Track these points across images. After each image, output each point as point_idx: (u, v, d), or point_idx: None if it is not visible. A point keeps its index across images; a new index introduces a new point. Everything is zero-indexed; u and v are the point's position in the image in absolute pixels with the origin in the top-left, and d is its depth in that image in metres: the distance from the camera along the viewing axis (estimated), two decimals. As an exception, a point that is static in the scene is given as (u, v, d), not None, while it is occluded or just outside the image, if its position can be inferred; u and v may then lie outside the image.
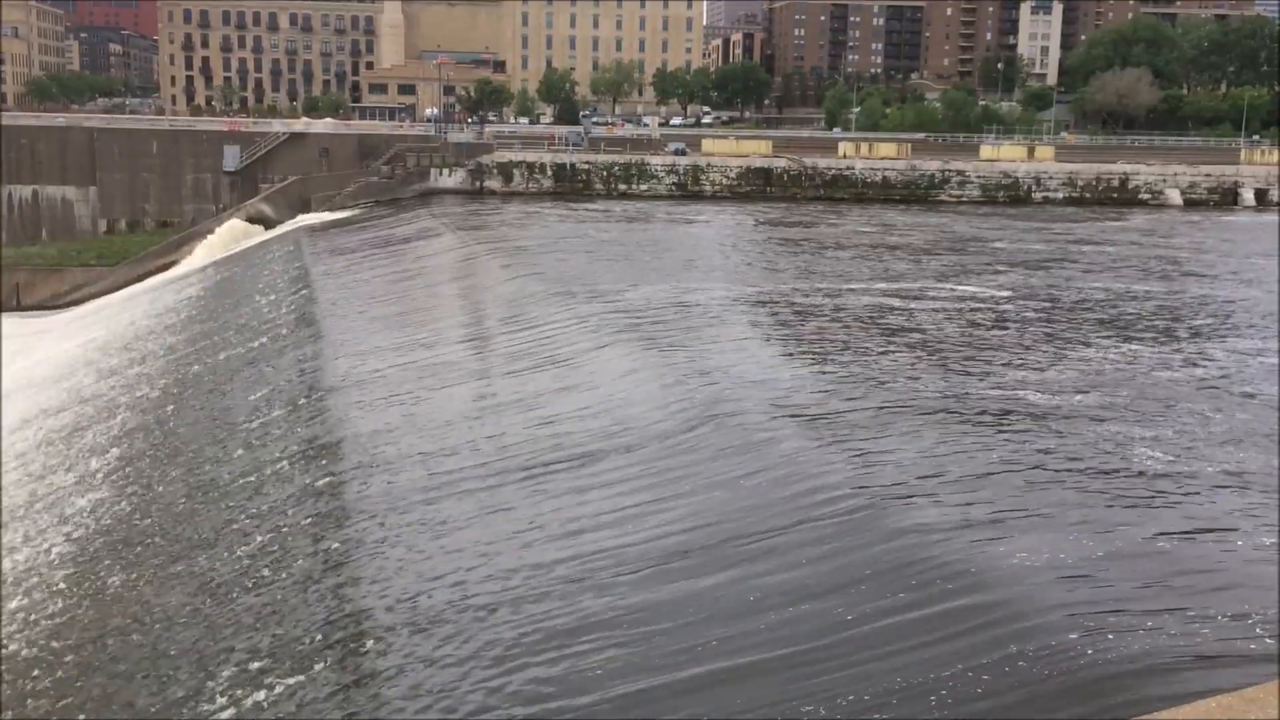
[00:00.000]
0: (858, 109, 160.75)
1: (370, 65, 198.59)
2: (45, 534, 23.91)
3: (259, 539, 19.26)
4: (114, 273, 70.77)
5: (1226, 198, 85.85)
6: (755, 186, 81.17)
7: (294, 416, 26.32)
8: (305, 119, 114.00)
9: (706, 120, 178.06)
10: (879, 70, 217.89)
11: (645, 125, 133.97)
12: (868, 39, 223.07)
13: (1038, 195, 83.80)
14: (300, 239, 62.51)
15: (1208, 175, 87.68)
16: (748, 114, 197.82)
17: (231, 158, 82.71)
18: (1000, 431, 20.06)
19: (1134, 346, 29.26)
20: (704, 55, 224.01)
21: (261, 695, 14.07)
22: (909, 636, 12.17)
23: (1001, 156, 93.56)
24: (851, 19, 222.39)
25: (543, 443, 20.76)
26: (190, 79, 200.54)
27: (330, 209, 74.64)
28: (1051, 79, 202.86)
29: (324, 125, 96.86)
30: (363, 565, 16.74)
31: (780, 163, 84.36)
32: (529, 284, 38.74)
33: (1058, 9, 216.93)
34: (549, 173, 79.79)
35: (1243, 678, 10.20)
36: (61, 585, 20.55)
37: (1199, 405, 22.84)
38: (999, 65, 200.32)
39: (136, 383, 37.43)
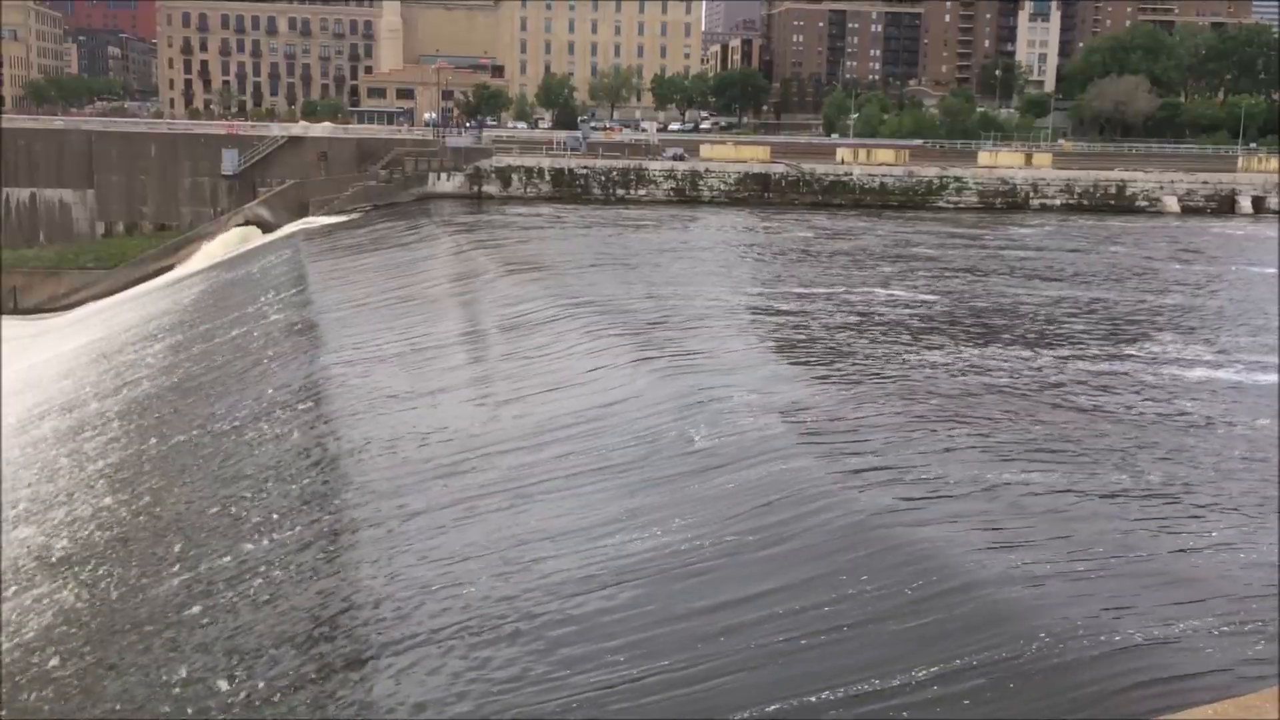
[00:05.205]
0: (856, 115, 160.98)
1: (369, 69, 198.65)
2: (44, 535, 23.87)
3: (255, 543, 19.24)
4: (111, 276, 70.67)
5: (1224, 205, 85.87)
6: (753, 192, 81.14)
7: (291, 422, 26.30)
8: (303, 123, 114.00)
9: (705, 126, 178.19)
10: (877, 77, 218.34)
11: (643, 130, 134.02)
12: (866, 45, 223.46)
13: (1035, 202, 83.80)
14: (298, 243, 62.47)
15: (1205, 183, 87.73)
16: (746, 119, 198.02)
17: (230, 161, 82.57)
18: (997, 437, 20.06)
19: (1127, 352, 29.29)
20: (702, 60, 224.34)
21: (261, 695, 14.06)
22: (908, 643, 12.17)
23: (999, 163, 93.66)
24: (850, 25, 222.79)
25: (540, 446, 20.76)
26: (189, 82, 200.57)
27: (328, 213, 74.56)
28: (1049, 86, 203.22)
29: (322, 129, 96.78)
30: (361, 572, 16.73)
31: (778, 168, 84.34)
32: (526, 288, 38.75)
33: (1056, 16, 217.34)
34: (547, 178, 79.76)
35: (1242, 685, 10.20)
36: (60, 586, 20.52)
37: (1195, 412, 22.87)
38: (997, 72, 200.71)
39: (133, 386, 37.39)
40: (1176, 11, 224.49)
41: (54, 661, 17.52)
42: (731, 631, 12.98)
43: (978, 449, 19.24)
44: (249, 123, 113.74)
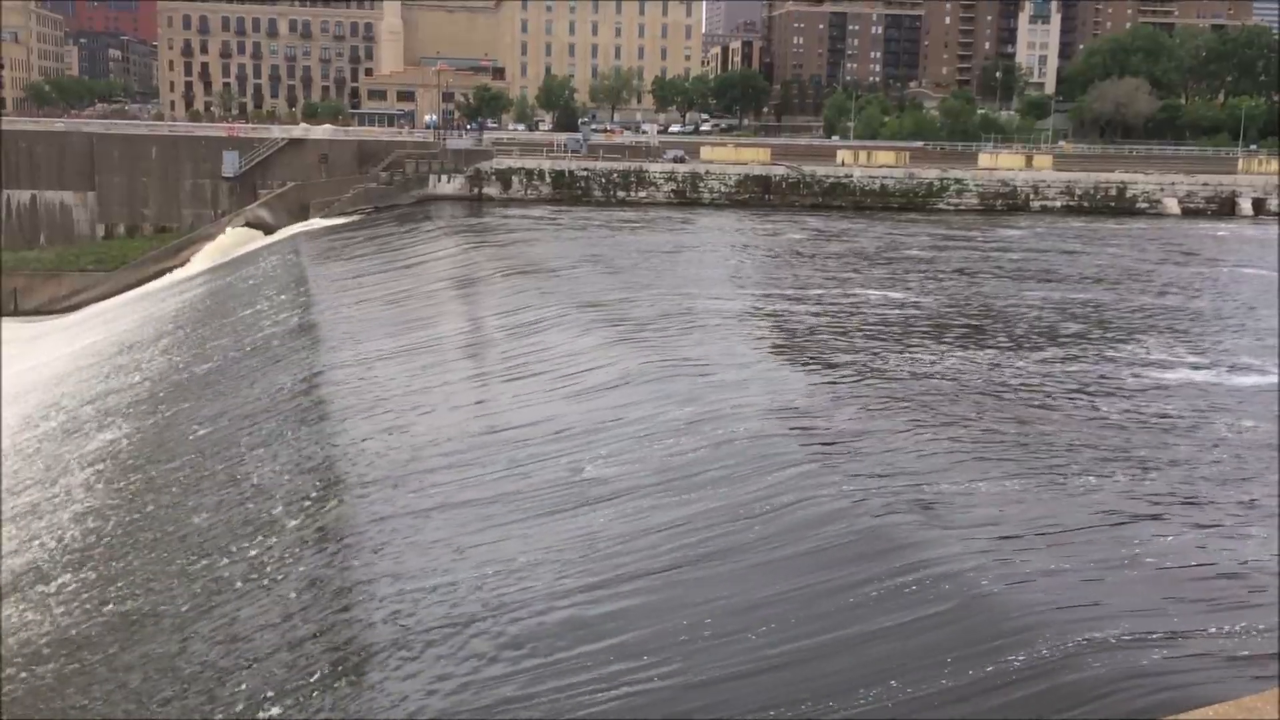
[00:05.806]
0: (856, 117, 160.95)
1: (369, 71, 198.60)
2: (44, 536, 23.89)
3: (254, 547, 19.25)
4: (112, 278, 70.70)
5: (1224, 207, 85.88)
6: (754, 194, 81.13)
7: (290, 424, 26.31)
8: (304, 125, 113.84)
9: (705, 128, 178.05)
10: (877, 79, 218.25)
11: (644, 132, 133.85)
12: (866, 47, 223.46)
13: (1036, 204, 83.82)
14: (299, 245, 62.52)
15: (1205, 184, 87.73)
16: (746, 121, 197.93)
17: (230, 163, 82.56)
18: (996, 440, 20.07)
19: (1127, 354, 29.30)
20: (703, 62, 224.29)
21: (260, 696, 14.07)
22: (905, 643, 12.17)
23: (1000, 165, 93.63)
24: (850, 27, 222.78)
25: (538, 448, 20.77)
26: (190, 84, 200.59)
27: (329, 215, 74.58)
28: (1050, 88, 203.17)
29: (323, 131, 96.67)
30: (360, 576, 16.74)
31: (779, 170, 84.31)
32: (525, 291, 38.78)
33: (1056, 18, 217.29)
34: (547, 180, 79.74)
35: (1242, 685, 10.21)
36: (60, 587, 20.53)
37: (1193, 414, 22.87)
38: (997, 74, 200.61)
39: (134, 388, 37.41)
40: (1177, 13, 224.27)
41: (54, 663, 17.53)
42: (735, 636, 12.99)
43: (973, 452, 19.24)
44: (249, 125, 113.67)
